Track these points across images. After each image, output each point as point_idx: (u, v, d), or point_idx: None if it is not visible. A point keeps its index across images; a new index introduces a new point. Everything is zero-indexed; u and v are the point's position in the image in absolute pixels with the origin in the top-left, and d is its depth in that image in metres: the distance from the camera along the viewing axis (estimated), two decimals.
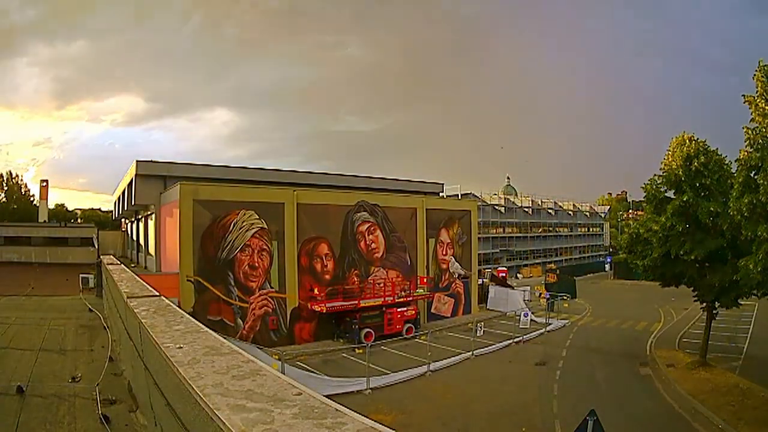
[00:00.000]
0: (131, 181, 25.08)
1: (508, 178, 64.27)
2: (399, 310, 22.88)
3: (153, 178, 23.53)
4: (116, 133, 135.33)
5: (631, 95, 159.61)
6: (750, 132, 13.22)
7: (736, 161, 14.05)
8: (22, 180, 51.28)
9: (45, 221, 42.69)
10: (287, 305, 21.48)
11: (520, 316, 24.57)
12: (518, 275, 49.04)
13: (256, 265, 20.88)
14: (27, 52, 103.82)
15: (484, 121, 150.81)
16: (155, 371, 2.65)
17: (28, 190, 50.79)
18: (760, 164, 12.76)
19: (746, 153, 13.33)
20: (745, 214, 12.83)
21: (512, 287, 33.87)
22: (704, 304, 17.99)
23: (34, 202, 48.47)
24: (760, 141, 12.93)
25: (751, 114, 13.24)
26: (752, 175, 13.04)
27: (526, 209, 55.96)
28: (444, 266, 28.22)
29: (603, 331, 25.28)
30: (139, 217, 29.30)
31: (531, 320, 24.90)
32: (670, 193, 17.51)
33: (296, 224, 21.94)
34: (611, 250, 61.52)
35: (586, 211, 66.91)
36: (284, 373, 2.02)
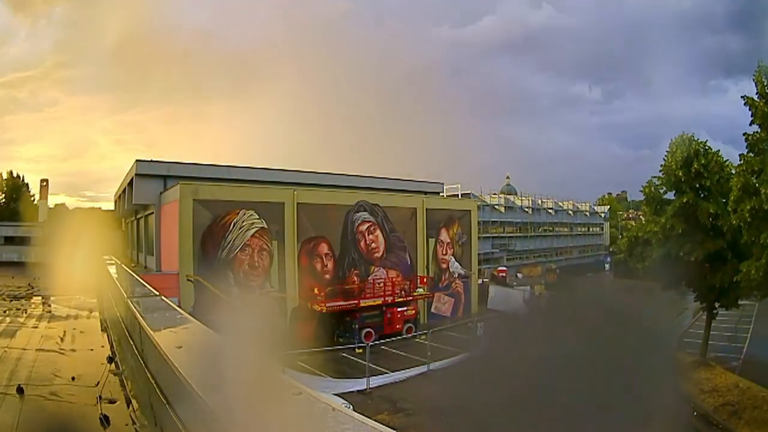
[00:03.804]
0: (131, 180, 25.06)
1: (508, 177, 64.20)
2: (399, 309, 22.89)
3: (153, 178, 23.49)
4: None
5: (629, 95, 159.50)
6: (750, 137, 13.24)
7: (737, 166, 14.05)
8: (21, 179, 51.17)
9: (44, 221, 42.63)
10: (287, 305, 21.49)
11: None
12: (518, 275, 49.01)
13: (257, 264, 20.88)
14: None
15: (484, 119, 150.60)
16: (155, 371, 2.65)
17: (28, 190, 50.70)
18: (761, 168, 12.76)
19: (747, 158, 13.33)
20: (748, 219, 12.81)
21: (512, 287, 33.87)
22: (704, 305, 17.99)
23: (35, 202, 48.39)
24: (760, 146, 12.95)
25: (752, 116, 13.24)
26: (753, 179, 13.02)
27: (526, 209, 55.93)
28: (444, 266, 28.20)
29: None
30: (139, 216, 29.30)
31: None
32: (670, 194, 17.51)
33: (296, 224, 21.93)
34: (611, 250, 61.51)
35: (586, 211, 66.84)
36: (284, 373, 2.02)
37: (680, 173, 16.49)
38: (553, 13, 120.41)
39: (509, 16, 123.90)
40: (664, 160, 17.37)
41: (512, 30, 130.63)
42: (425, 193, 30.39)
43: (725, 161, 16.62)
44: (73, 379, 4.71)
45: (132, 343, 3.90)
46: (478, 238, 33.61)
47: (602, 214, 71.65)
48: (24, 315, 9.19)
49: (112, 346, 5.95)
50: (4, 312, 9.35)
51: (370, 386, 15.35)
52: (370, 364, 15.84)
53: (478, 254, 32.78)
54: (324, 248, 23.02)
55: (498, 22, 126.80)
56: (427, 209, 27.42)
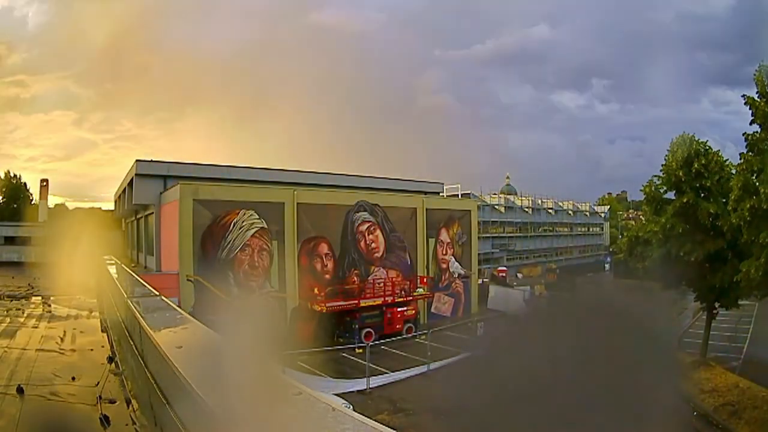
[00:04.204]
0: (131, 180, 25.06)
1: (508, 177, 64.17)
2: (399, 309, 22.90)
3: (153, 178, 23.50)
4: None
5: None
6: (750, 137, 13.28)
7: (737, 166, 14.09)
8: (20, 180, 51.18)
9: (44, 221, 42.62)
10: (287, 305, 21.49)
11: None
12: (518, 275, 49.01)
13: (257, 264, 20.89)
14: None
15: (484, 122, 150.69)
16: (155, 371, 2.65)
17: (27, 189, 50.70)
18: (760, 168, 12.79)
19: (747, 157, 13.36)
20: (747, 218, 12.85)
21: (512, 287, 33.88)
22: (704, 305, 18.00)
23: (34, 202, 48.42)
24: (760, 146, 12.98)
25: (752, 116, 13.26)
26: (753, 178, 13.06)
27: (526, 209, 55.93)
28: (444, 266, 28.21)
29: None
30: (139, 216, 29.31)
31: None
32: (670, 194, 17.52)
33: (296, 224, 21.94)
34: (611, 250, 61.46)
35: (586, 211, 66.85)
36: (284, 373, 2.02)
37: (680, 173, 16.49)
38: (549, 30, 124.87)
39: (510, 34, 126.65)
40: (664, 159, 17.38)
41: (511, 45, 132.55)
42: (425, 193, 30.40)
43: (725, 161, 16.64)
44: (73, 379, 4.70)
45: (132, 343, 3.90)
46: (478, 238, 33.61)
47: (602, 214, 71.66)
48: (24, 315, 9.18)
49: (112, 346, 5.94)
50: (4, 312, 9.34)
51: (370, 386, 15.35)
52: (370, 364, 15.85)
53: (478, 254, 32.80)
54: (324, 248, 23.02)
55: (498, 36, 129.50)
56: (427, 209, 27.43)
